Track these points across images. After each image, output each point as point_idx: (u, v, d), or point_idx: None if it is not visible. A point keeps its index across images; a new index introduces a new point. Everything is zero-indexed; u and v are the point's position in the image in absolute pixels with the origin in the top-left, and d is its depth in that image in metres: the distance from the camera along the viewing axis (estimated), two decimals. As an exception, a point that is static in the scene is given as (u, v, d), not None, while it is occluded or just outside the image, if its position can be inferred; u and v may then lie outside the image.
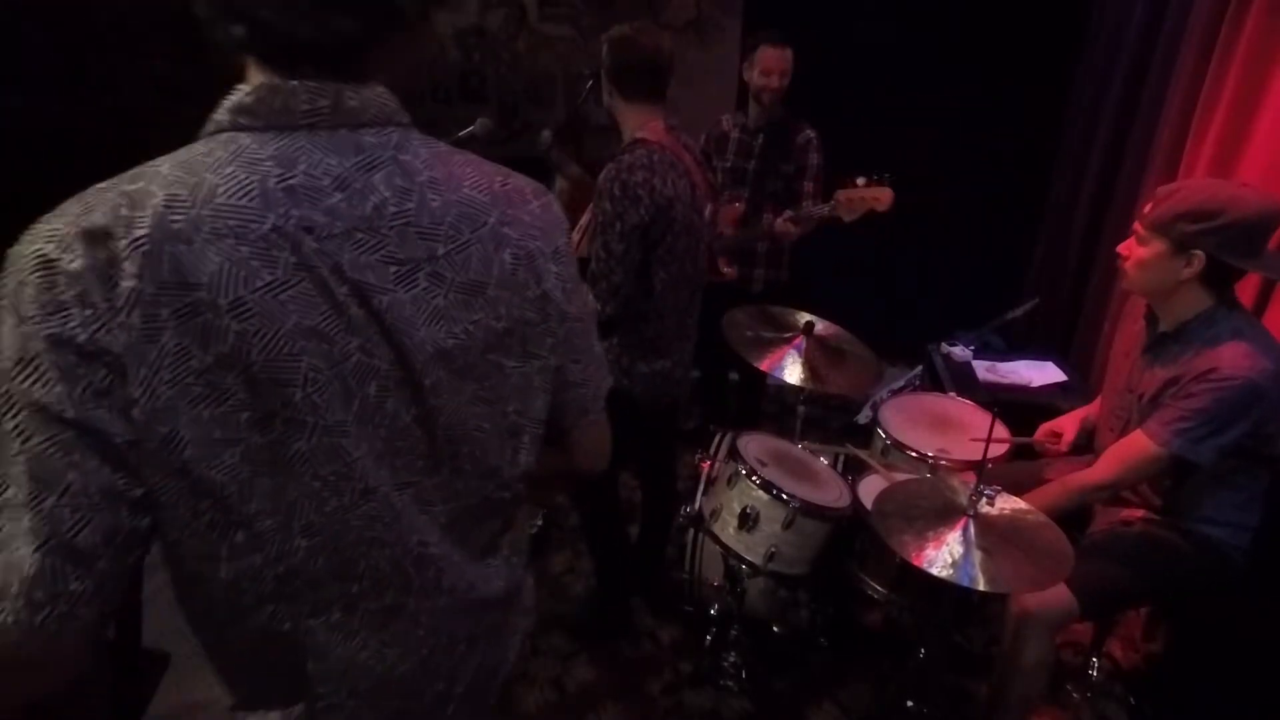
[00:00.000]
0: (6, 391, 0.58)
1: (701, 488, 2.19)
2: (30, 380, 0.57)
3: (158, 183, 0.61)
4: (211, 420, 0.62)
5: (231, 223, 0.61)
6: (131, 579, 0.64)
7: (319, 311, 0.64)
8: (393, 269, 0.67)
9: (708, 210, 2.03)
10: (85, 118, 4.30)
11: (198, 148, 0.64)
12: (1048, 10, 3.20)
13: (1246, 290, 1.98)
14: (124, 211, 0.59)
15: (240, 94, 0.65)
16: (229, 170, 0.62)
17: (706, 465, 2.24)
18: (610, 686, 2.17)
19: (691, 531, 2.16)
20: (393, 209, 0.68)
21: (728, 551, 2.00)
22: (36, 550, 0.57)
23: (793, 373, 2.16)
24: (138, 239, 0.58)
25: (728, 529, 2.00)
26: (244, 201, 0.61)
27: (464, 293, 0.72)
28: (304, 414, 0.65)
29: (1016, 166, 3.39)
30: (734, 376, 3.26)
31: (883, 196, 2.57)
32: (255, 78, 0.66)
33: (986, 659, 2.03)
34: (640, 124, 1.87)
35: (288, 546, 0.69)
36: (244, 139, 0.64)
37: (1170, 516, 1.77)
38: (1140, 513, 1.83)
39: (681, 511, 2.18)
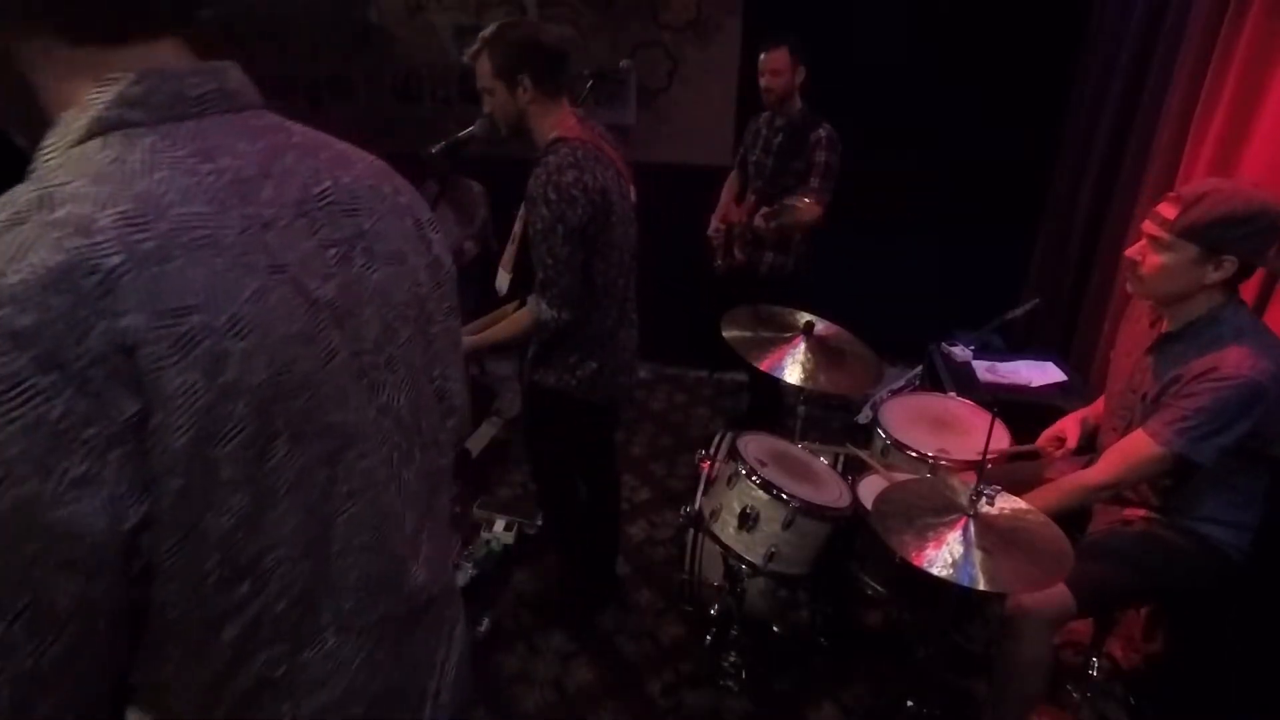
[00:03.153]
0: None
1: (701, 488, 2.19)
2: None
3: (88, 203, 0.51)
4: (220, 460, 0.54)
5: (201, 232, 0.55)
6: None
7: (301, 312, 0.60)
8: (331, 251, 0.65)
9: (632, 193, 2.00)
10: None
11: (95, 156, 0.55)
12: (1048, 10, 3.20)
13: (1247, 290, 1.98)
14: (73, 242, 0.49)
15: (120, 84, 0.57)
16: (160, 175, 0.55)
17: (706, 465, 2.25)
18: (610, 686, 2.17)
19: (691, 531, 2.16)
20: (315, 190, 0.66)
21: (727, 551, 2.00)
22: None
23: (793, 373, 2.16)
24: (114, 268, 0.50)
25: (728, 529, 2.00)
26: (200, 207, 0.56)
27: (392, 263, 0.71)
28: (303, 425, 0.60)
29: (1016, 167, 3.39)
30: (742, 377, 3.28)
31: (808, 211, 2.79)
32: (120, 64, 0.58)
33: (986, 659, 2.03)
34: (557, 121, 1.81)
35: (290, 578, 0.62)
36: (145, 138, 0.57)
37: (1170, 516, 1.77)
38: (1141, 512, 1.82)
39: (681, 511, 2.18)
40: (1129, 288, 1.74)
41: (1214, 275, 1.58)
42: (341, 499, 0.65)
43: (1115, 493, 1.77)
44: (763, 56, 2.83)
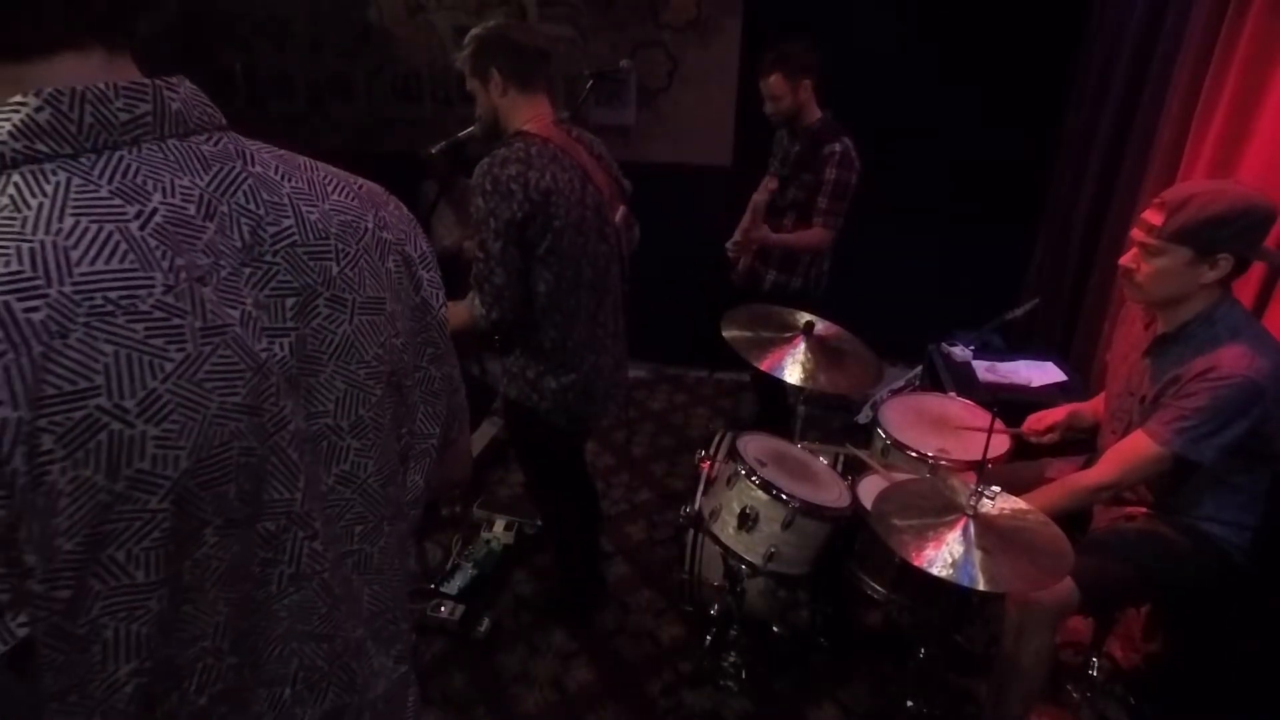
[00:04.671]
0: None
1: (701, 488, 2.20)
2: None
3: None
4: (130, 562, 0.47)
5: (114, 294, 0.46)
6: None
7: (243, 380, 0.52)
8: (290, 301, 0.57)
9: (619, 213, 1.93)
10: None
11: None
12: (1048, 10, 3.20)
13: (1247, 290, 1.98)
14: None
15: (23, 110, 0.47)
16: (69, 224, 0.46)
17: (706, 465, 2.25)
18: (610, 686, 2.17)
19: (691, 532, 2.16)
20: (272, 230, 0.57)
21: (727, 552, 2.00)
22: None
23: (793, 373, 2.16)
24: None
25: (727, 529, 2.00)
26: (116, 264, 0.46)
27: (367, 313, 0.63)
28: (237, 511, 0.53)
29: (1017, 166, 3.39)
30: (743, 377, 3.26)
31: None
32: (34, 82, 0.48)
33: (986, 659, 2.03)
34: (529, 116, 1.78)
35: (213, 673, 0.56)
36: (56, 175, 0.47)
37: (1171, 515, 1.77)
38: (1142, 510, 1.83)
39: (681, 511, 2.18)
40: (1126, 294, 1.76)
41: (1210, 275, 1.59)
42: (283, 584, 0.59)
43: (1115, 493, 1.77)
44: (760, 83, 2.74)
